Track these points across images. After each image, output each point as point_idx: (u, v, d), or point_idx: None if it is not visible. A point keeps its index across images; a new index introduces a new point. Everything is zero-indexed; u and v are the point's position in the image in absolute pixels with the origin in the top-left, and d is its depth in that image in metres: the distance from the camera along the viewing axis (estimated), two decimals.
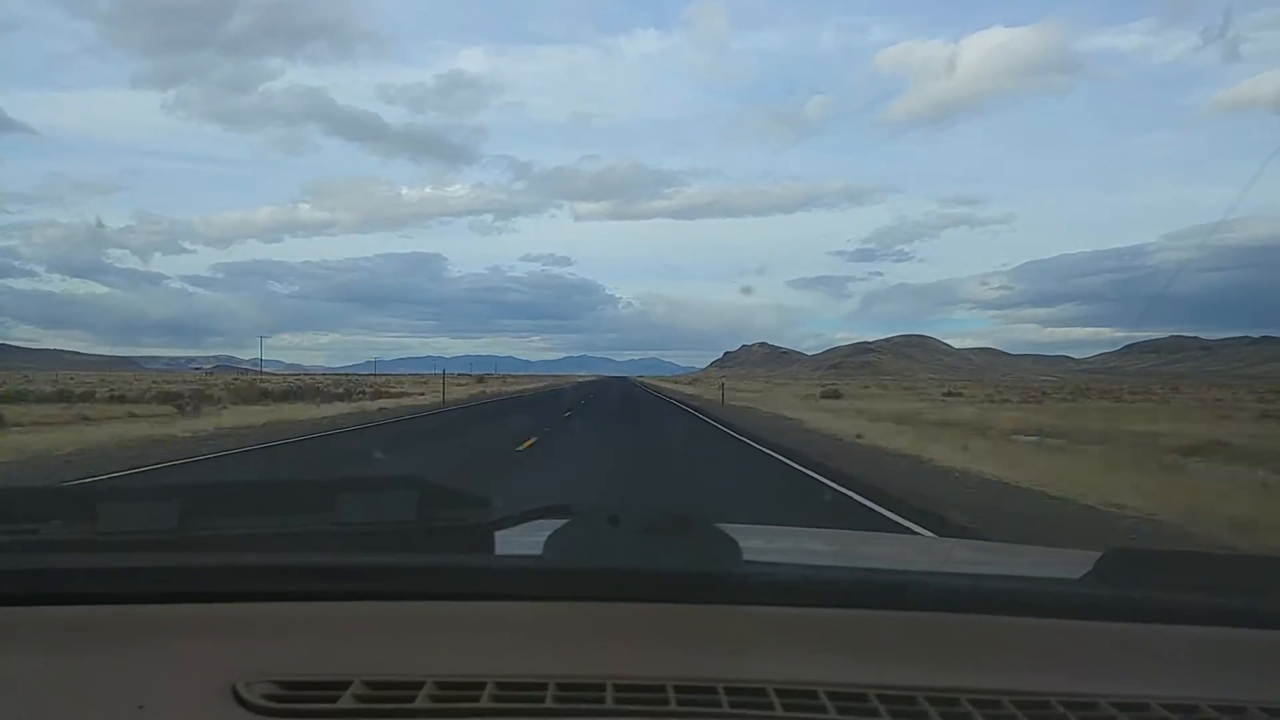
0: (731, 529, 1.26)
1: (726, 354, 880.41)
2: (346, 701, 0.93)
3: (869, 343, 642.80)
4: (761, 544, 1.71)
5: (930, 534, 7.90)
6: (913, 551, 2.61)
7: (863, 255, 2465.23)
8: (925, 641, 1.11)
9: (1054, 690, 0.98)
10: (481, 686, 0.95)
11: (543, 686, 0.96)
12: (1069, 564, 1.55)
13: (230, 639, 1.09)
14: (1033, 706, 0.96)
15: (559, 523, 1.23)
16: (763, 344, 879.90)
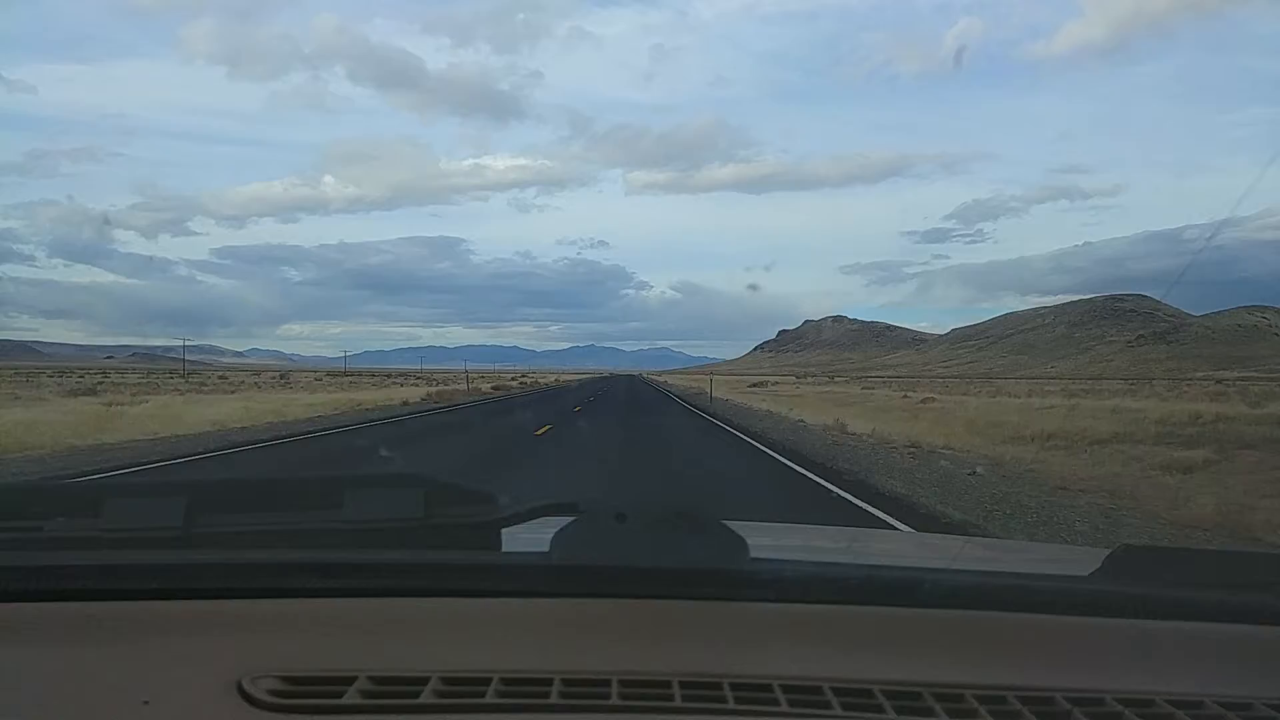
0: (739, 526, 1.27)
1: (783, 333, 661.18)
2: (352, 696, 0.94)
3: (1119, 300, 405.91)
4: (769, 541, 1.73)
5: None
6: (921, 549, 2.54)
7: (935, 236, 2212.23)
8: (931, 637, 1.11)
9: (1059, 686, 0.99)
10: (487, 682, 0.96)
11: (548, 682, 0.96)
12: (1078, 561, 1.55)
13: (235, 635, 1.09)
14: (1038, 702, 0.96)
15: (566, 520, 1.23)
16: (838, 318, 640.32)
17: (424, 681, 0.95)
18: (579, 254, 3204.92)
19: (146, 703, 0.92)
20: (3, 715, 0.91)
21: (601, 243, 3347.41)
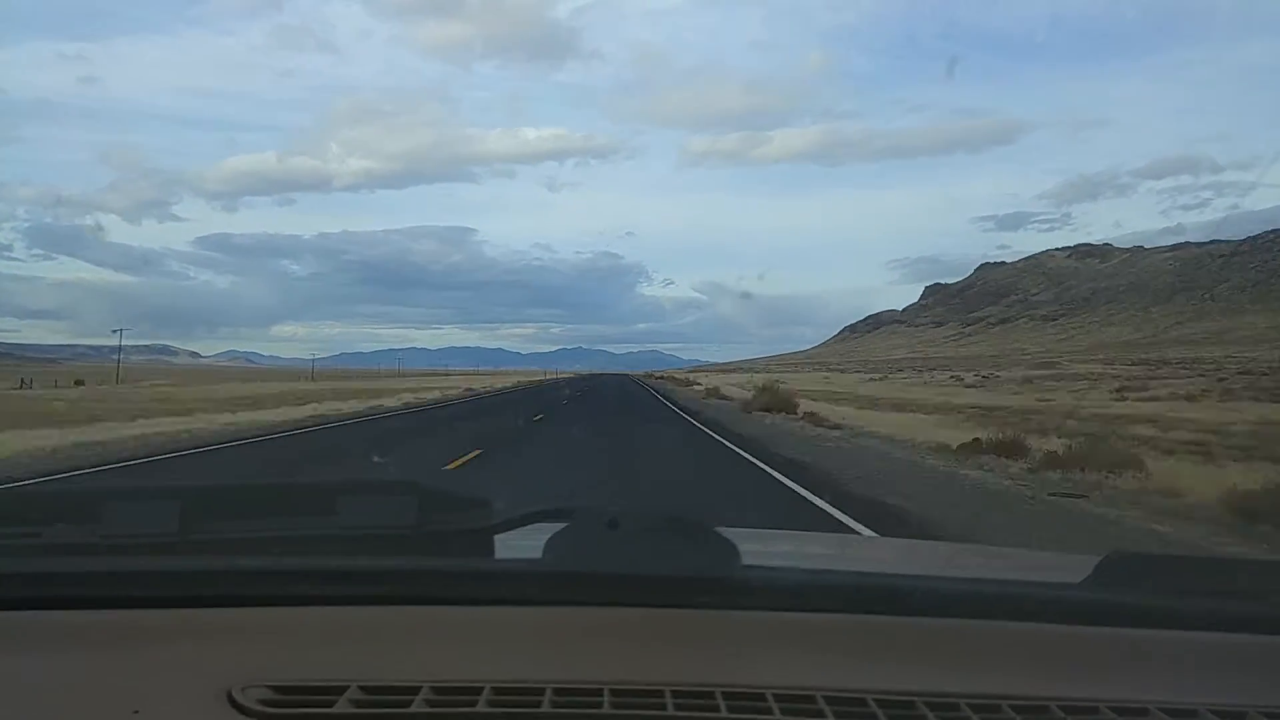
0: (731, 532, 1.27)
1: (936, 289, 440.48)
2: (343, 706, 0.93)
3: None
4: (761, 548, 1.74)
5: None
6: (914, 556, 2.54)
7: (1012, 222, 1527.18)
8: (924, 646, 1.11)
9: (1053, 695, 0.98)
10: (479, 691, 0.95)
11: (540, 691, 0.96)
12: (1069, 568, 1.55)
13: (226, 643, 1.09)
14: (1032, 711, 0.96)
15: (558, 526, 1.23)
16: (1078, 249, 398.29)
17: (415, 691, 0.95)
18: (606, 247, 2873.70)
19: (137, 712, 0.92)
20: None
21: (629, 234, 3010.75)
